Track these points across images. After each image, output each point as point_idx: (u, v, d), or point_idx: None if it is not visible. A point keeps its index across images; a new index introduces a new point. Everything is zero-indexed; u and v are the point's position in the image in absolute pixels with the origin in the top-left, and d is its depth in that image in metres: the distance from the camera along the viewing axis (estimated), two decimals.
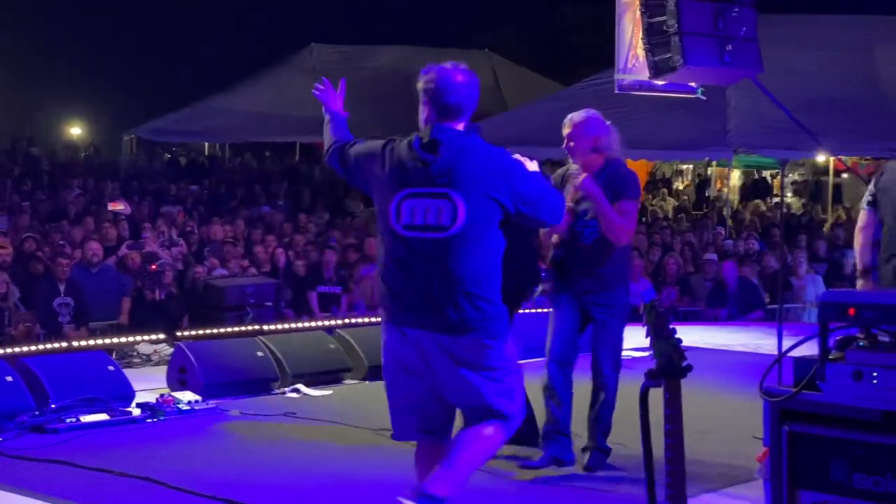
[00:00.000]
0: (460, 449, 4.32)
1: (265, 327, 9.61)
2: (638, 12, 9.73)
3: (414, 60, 25.59)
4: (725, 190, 23.99)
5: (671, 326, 3.07)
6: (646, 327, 3.09)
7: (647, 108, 15.94)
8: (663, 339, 3.04)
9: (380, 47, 26.31)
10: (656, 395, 3.15)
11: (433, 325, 4.27)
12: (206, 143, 28.09)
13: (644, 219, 20.00)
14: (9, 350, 8.18)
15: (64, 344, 8.87)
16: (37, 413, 6.91)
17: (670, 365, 3.02)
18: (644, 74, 9.79)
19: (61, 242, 11.89)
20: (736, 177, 26.20)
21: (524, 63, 28.72)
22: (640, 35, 9.74)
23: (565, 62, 35.17)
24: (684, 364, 3.04)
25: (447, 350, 4.28)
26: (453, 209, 4.27)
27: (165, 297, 10.85)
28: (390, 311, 4.38)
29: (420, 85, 4.49)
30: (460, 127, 4.45)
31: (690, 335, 11.41)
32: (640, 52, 9.86)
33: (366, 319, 10.51)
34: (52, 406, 7.00)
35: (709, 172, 27.69)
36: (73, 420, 6.86)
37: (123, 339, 9.39)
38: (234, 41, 37.53)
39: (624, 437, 6.02)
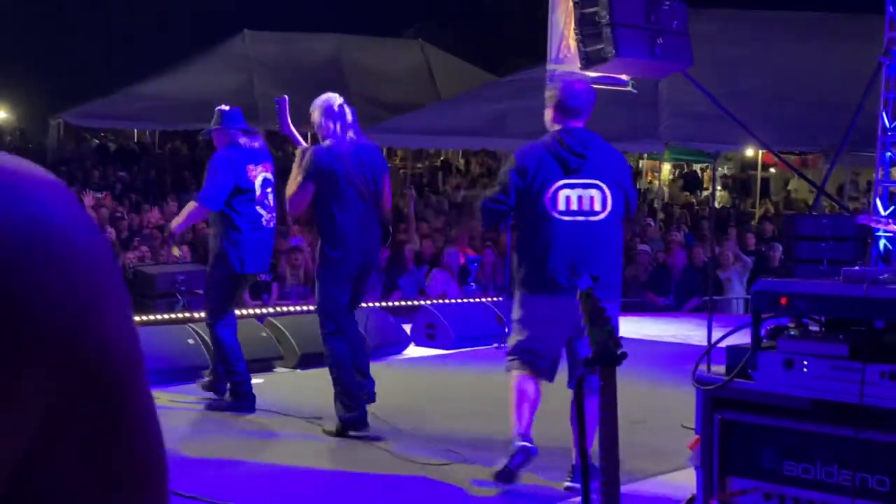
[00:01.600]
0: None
1: (196, 315, 9.49)
2: (571, 3, 9.78)
3: (347, 48, 25.56)
4: (656, 183, 24.23)
5: (607, 314, 3.08)
6: (581, 315, 3.10)
7: None
8: (599, 327, 3.05)
9: (312, 35, 26.15)
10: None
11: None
12: (136, 130, 27.70)
13: None
14: None
15: None
16: None
17: (606, 352, 3.02)
18: (576, 65, 9.83)
19: None
20: (666, 170, 26.46)
21: (454, 52, 28.75)
22: (573, 26, 9.79)
23: (496, 52, 35.24)
24: (620, 352, 3.04)
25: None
26: (604, 197, 5.33)
27: None
28: (547, 283, 5.27)
29: (548, 93, 5.57)
30: (581, 125, 5.43)
31: (622, 326, 11.53)
32: (573, 42, 9.91)
33: (297, 308, 10.46)
34: None
35: (640, 165, 27.96)
36: None
37: None
38: (167, 26, 37.09)
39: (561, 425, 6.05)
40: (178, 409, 7.24)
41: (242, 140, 7.26)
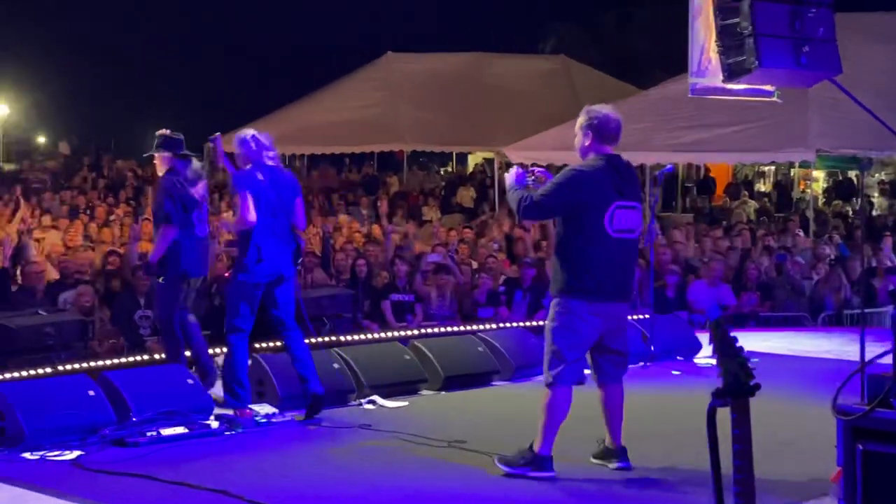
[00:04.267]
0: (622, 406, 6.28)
1: (341, 338, 9.65)
2: (711, 14, 9.61)
3: (488, 66, 25.60)
4: (809, 192, 23.59)
5: (738, 344, 3.02)
6: (712, 345, 3.04)
7: (725, 109, 15.75)
8: (730, 358, 2.98)
9: (453, 54, 26.29)
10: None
11: (625, 298, 6.17)
12: (284, 154, 28.21)
13: (724, 222, 19.74)
14: (91, 364, 8.32)
15: (145, 357, 8.97)
16: (118, 426, 7.00)
17: (737, 384, 2.96)
18: (718, 78, 9.65)
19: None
20: (821, 178, 25.74)
21: (592, 64, 28.51)
22: (714, 37, 9.62)
23: (633, 64, 34.91)
24: (752, 383, 2.97)
25: (624, 314, 6.27)
26: (638, 216, 6.11)
27: None
28: (599, 292, 5.96)
29: (581, 119, 6.12)
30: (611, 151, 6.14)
31: (772, 342, 11.27)
32: (714, 54, 9.72)
33: (441, 329, 10.51)
34: (133, 419, 7.09)
35: (791, 174, 27.26)
36: (154, 433, 6.94)
37: None
38: (312, 51, 37.87)
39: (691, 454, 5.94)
40: (321, 430, 7.36)
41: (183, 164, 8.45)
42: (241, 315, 7.62)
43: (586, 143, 6.12)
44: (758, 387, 2.99)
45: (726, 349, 2.99)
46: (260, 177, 7.66)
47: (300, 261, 8.04)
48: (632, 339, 10.13)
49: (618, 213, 5.96)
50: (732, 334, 3.04)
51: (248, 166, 7.74)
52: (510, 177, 6.24)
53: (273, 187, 7.69)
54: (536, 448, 6.10)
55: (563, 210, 6.02)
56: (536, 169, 6.38)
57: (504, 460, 6.22)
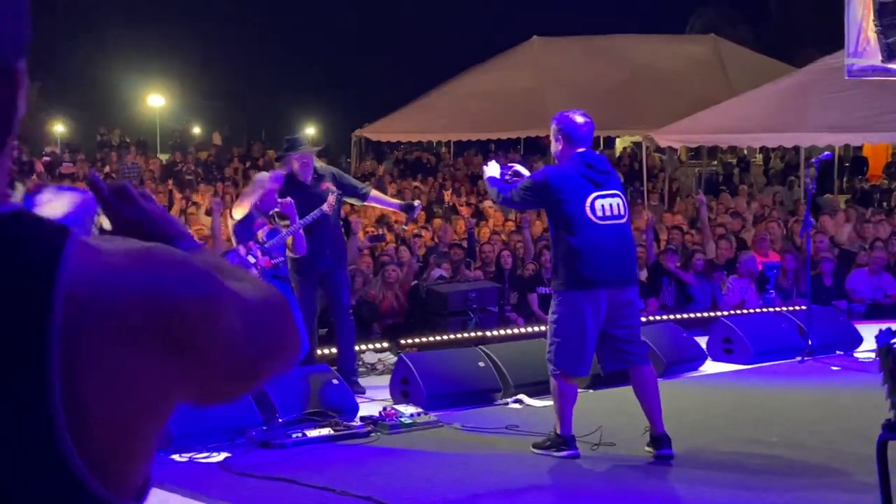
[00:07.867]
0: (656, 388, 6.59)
1: (487, 333, 9.53)
2: None
3: (637, 48, 25.08)
4: None
5: None
6: (882, 373, 2.79)
7: (884, 87, 15.09)
8: None
9: (601, 37, 25.83)
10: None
11: (623, 283, 6.42)
12: (431, 141, 28.25)
13: (885, 204, 18.97)
14: None
15: None
16: (265, 428, 7.02)
17: None
18: (876, 58, 9.25)
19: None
20: None
21: (743, 43, 27.69)
22: (872, 16, 9.20)
23: (786, 41, 33.92)
24: None
25: (630, 298, 6.51)
26: (622, 204, 6.48)
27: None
28: (596, 280, 6.29)
29: (554, 128, 6.59)
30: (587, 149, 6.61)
31: None
32: (872, 34, 9.32)
33: None
34: (280, 420, 7.10)
35: None
36: (300, 435, 6.94)
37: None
38: (457, 36, 37.87)
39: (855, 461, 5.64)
40: (467, 431, 7.25)
41: None
42: None
43: (559, 148, 6.58)
44: None
45: None
46: None
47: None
48: (788, 333, 9.80)
49: (597, 201, 6.37)
50: None
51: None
52: (489, 169, 6.87)
53: None
54: (558, 430, 6.54)
55: (535, 204, 6.86)
56: (513, 166, 6.97)
57: (536, 445, 6.67)
